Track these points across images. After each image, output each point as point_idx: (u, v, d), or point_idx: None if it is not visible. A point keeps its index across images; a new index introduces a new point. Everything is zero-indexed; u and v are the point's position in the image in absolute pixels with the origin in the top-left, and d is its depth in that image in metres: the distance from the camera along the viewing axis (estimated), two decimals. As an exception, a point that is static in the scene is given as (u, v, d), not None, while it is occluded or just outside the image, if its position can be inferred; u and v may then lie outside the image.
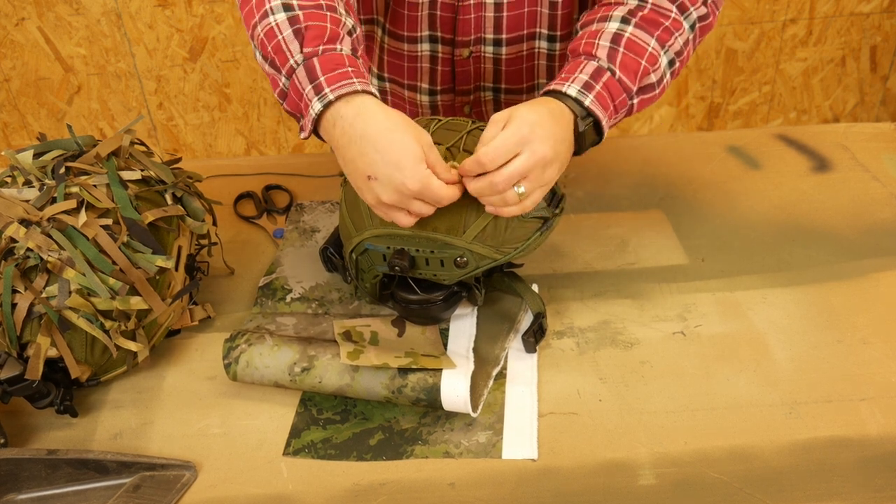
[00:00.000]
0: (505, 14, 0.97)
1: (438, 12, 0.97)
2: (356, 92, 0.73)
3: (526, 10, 0.97)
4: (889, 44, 2.34)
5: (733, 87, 2.38)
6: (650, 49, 0.83)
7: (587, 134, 0.80)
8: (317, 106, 0.74)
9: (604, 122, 0.80)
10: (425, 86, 1.05)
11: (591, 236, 1.02)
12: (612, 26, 0.83)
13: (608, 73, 0.81)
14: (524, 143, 0.72)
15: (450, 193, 0.73)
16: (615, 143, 1.22)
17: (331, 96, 0.73)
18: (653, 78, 0.84)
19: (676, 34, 0.85)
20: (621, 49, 0.82)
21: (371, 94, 0.74)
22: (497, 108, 1.08)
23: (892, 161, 1.15)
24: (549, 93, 0.81)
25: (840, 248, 0.98)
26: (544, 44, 1.01)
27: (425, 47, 1.01)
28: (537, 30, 0.99)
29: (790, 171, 1.13)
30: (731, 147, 1.19)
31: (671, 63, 0.85)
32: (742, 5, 2.22)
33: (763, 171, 1.14)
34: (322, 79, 0.74)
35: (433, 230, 0.77)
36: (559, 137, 0.76)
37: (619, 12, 0.84)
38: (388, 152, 0.70)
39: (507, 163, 0.72)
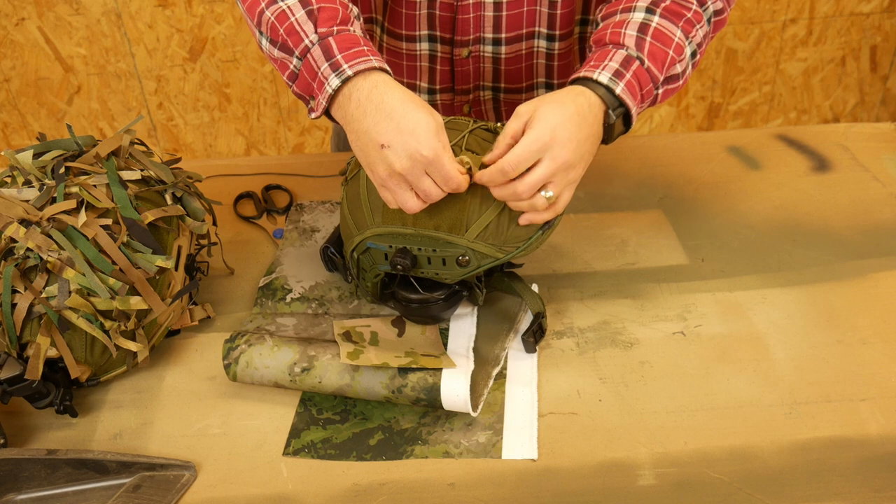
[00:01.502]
0: (504, 13, 0.97)
1: (437, 11, 0.97)
2: (373, 68, 0.75)
3: (525, 9, 0.97)
4: (889, 44, 2.34)
5: (733, 87, 2.38)
6: (676, 39, 0.83)
7: (616, 124, 0.80)
8: (334, 82, 0.75)
9: (633, 112, 0.80)
10: (424, 85, 1.05)
11: (591, 236, 1.02)
12: (638, 16, 0.83)
13: (637, 62, 0.81)
14: (545, 149, 0.73)
15: (459, 178, 0.73)
16: (615, 143, 1.21)
17: (349, 72, 0.74)
18: (678, 69, 0.84)
19: (698, 26, 0.85)
20: (648, 38, 0.82)
21: (387, 71, 0.76)
22: (496, 108, 1.08)
23: (892, 161, 1.14)
24: (579, 80, 0.80)
25: (840, 248, 0.98)
26: (543, 42, 1.01)
27: (424, 46, 1.01)
28: (536, 29, 0.99)
29: (790, 172, 1.13)
30: (731, 147, 1.19)
31: (693, 54, 0.86)
32: (742, 5, 2.22)
33: (763, 172, 1.14)
34: (339, 56, 0.75)
35: (435, 228, 0.77)
36: (583, 138, 0.76)
37: (643, 3, 0.84)
38: (403, 120, 0.71)
39: (529, 170, 0.73)
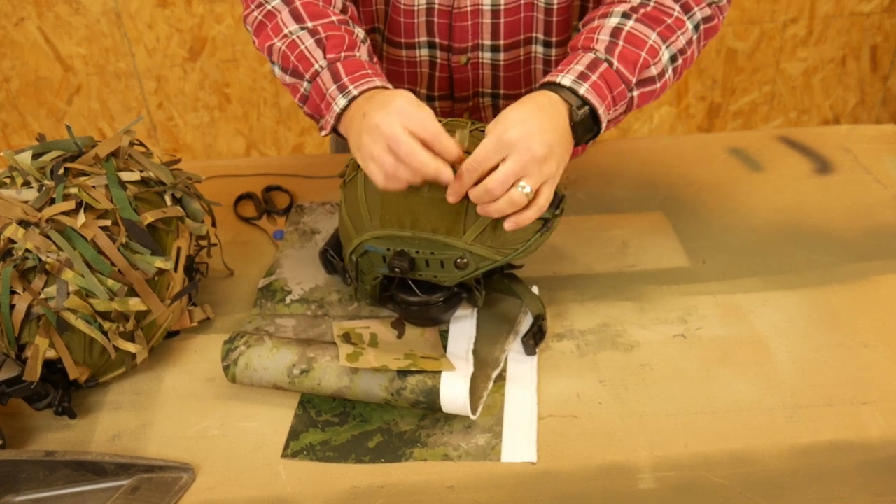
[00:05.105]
0: (502, 20, 0.96)
1: (435, 19, 0.97)
2: (376, 88, 0.80)
3: (522, 15, 0.96)
4: (889, 43, 2.34)
5: (734, 87, 2.38)
6: (650, 42, 0.83)
7: (584, 124, 0.79)
8: (342, 102, 0.81)
9: (601, 111, 0.79)
10: (423, 92, 1.05)
11: (592, 238, 1.02)
12: (613, 21, 0.84)
13: (605, 64, 0.81)
14: (508, 146, 0.72)
15: (423, 157, 0.71)
16: (616, 144, 1.22)
17: (354, 92, 0.80)
18: (653, 71, 0.83)
19: (679, 32, 0.85)
20: (620, 42, 0.82)
21: (388, 89, 0.80)
22: (496, 114, 1.08)
23: (893, 163, 1.14)
24: (544, 85, 0.81)
25: (842, 250, 0.98)
26: (540, 49, 1.00)
27: (423, 53, 1.01)
28: (534, 35, 0.99)
29: (792, 173, 1.13)
30: (733, 149, 1.19)
31: (673, 59, 0.85)
32: (742, 5, 2.21)
33: (764, 173, 1.13)
34: (346, 79, 0.81)
35: (433, 231, 0.77)
36: (548, 128, 0.74)
37: (621, 8, 0.85)
38: (379, 103, 0.74)
39: (497, 167, 0.72)
